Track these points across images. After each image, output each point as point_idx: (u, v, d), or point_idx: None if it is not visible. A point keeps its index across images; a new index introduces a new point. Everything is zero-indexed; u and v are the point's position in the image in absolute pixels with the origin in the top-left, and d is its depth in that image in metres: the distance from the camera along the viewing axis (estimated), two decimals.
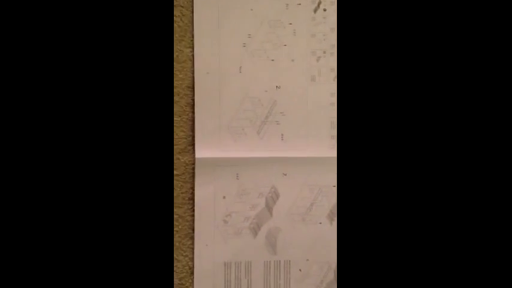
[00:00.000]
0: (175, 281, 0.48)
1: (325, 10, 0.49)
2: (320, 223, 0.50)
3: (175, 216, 0.48)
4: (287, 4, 0.48)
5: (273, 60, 0.49)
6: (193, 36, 0.48)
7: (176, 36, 0.47)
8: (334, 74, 0.49)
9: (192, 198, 0.48)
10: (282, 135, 0.49)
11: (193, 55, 0.48)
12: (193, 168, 0.48)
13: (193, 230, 0.48)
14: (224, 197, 0.49)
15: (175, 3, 0.47)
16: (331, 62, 0.49)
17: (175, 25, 0.47)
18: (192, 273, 0.48)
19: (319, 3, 0.49)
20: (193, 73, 0.48)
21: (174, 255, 0.48)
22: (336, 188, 0.50)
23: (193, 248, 0.48)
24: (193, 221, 0.48)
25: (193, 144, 0.48)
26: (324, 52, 0.49)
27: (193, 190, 0.48)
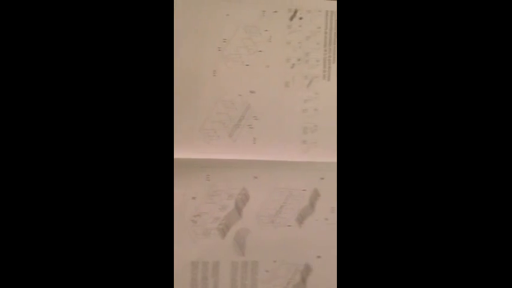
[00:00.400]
0: None
1: (301, 18, 0.50)
2: (289, 226, 0.51)
3: None
4: (263, 11, 0.49)
5: (247, 65, 0.49)
6: None
7: None
8: (307, 81, 0.50)
9: None
10: (255, 138, 0.50)
11: None
12: None
13: None
14: (194, 198, 0.49)
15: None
16: (305, 69, 0.50)
17: None
18: None
19: (296, 11, 0.50)
20: None
21: None
22: (305, 192, 0.51)
23: None
24: None
25: None
26: (299, 60, 0.50)
27: None
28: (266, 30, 0.49)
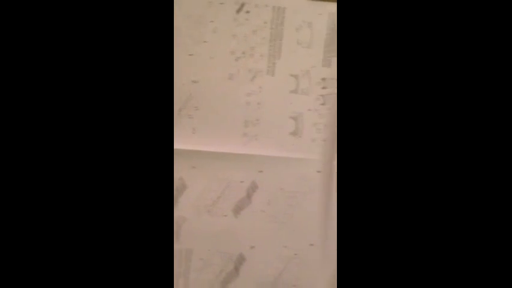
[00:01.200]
0: None
1: (247, 12, 0.50)
2: (225, 216, 0.52)
3: None
4: (210, 1, 0.49)
5: (191, 54, 0.49)
6: None
7: None
8: (251, 75, 0.51)
9: None
10: (194, 129, 0.50)
11: None
12: None
13: None
14: None
15: None
16: (249, 63, 0.50)
17: None
18: None
19: (243, 4, 0.50)
20: None
21: None
22: (243, 184, 0.52)
23: None
24: None
25: None
26: (243, 53, 0.50)
27: None
28: (212, 21, 0.49)
